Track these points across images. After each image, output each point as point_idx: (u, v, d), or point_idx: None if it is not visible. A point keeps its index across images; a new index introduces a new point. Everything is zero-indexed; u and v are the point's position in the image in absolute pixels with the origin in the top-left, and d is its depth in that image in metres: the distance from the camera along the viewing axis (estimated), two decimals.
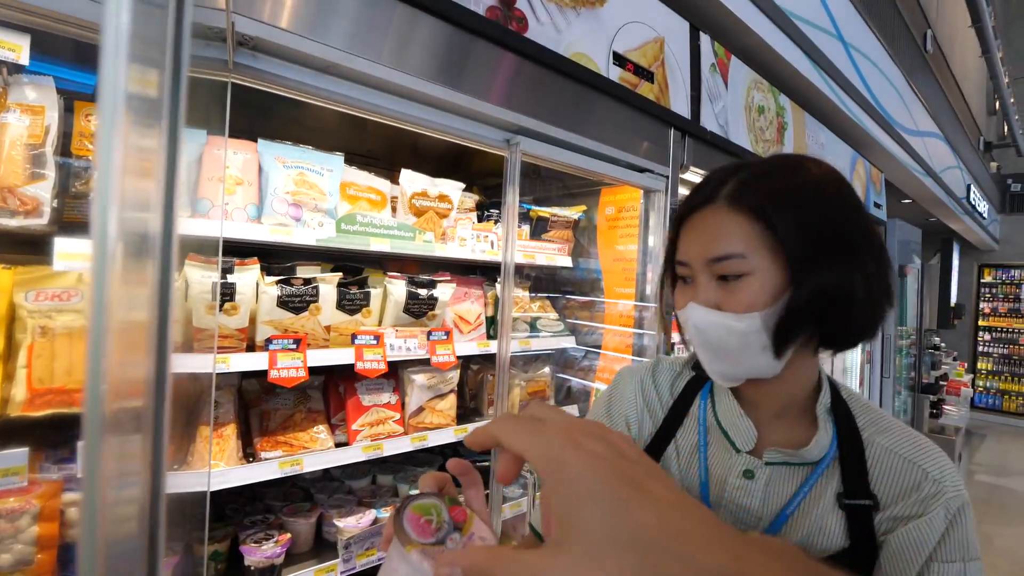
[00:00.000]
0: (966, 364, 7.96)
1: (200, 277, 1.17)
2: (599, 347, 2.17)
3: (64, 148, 1.13)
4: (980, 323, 8.97)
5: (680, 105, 1.88)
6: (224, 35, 0.86)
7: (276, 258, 1.53)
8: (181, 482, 0.95)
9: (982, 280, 9.03)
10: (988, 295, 8.98)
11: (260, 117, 1.68)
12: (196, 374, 1.01)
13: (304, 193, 1.40)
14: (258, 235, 1.28)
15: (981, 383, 8.86)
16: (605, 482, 0.26)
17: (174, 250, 0.42)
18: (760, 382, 0.67)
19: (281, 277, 1.35)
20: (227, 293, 1.22)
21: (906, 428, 0.68)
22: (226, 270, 1.23)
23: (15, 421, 1.05)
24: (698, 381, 0.77)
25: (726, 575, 0.24)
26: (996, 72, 6.31)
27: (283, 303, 1.33)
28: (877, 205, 3.81)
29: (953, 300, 6.03)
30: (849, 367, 4.10)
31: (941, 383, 5.42)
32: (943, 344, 6.48)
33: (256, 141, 1.38)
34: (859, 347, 4.01)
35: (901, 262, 4.61)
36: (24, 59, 0.95)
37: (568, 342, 2.02)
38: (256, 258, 1.32)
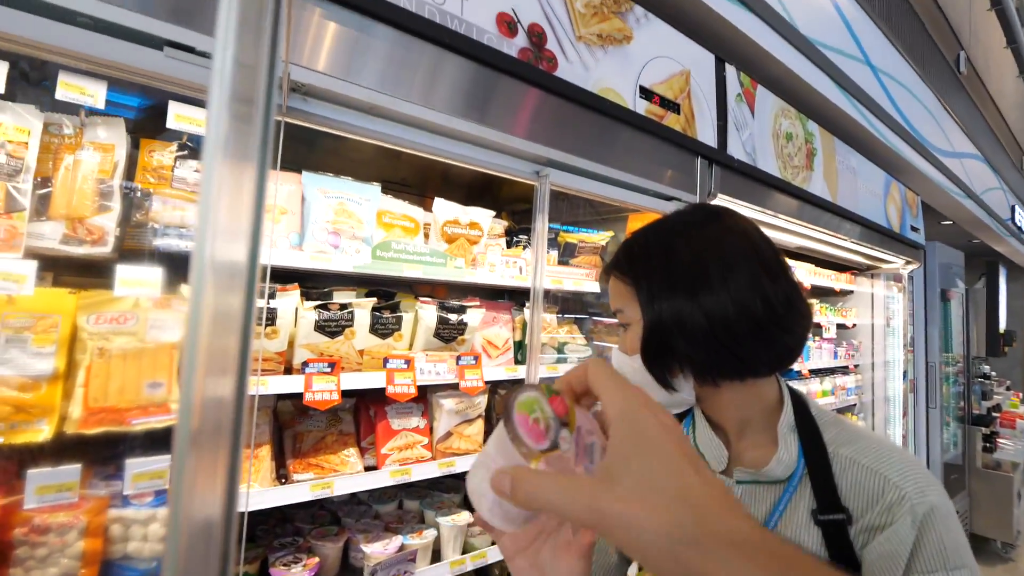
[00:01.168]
0: (1021, 394, 7.51)
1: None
2: None
3: (128, 181, 1.22)
4: None
5: (707, 134, 1.90)
6: (280, 83, 0.94)
7: (313, 283, 1.59)
8: (220, 502, 0.98)
9: None
10: None
11: (304, 148, 1.78)
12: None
13: (343, 222, 1.46)
14: (300, 262, 1.35)
15: None
16: (668, 447, 0.31)
17: (257, 277, 0.47)
18: (711, 406, 0.75)
19: (319, 302, 1.41)
20: (269, 318, 1.28)
21: (872, 437, 0.70)
22: (269, 295, 1.29)
23: (70, 438, 1.11)
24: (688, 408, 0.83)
25: (738, 537, 0.28)
26: None
27: (320, 327, 1.38)
28: (914, 229, 3.71)
29: (1002, 326, 5.75)
30: (892, 396, 3.93)
31: (994, 414, 5.13)
32: (993, 373, 6.16)
33: (300, 172, 1.46)
34: (899, 376, 3.85)
35: (943, 286, 4.45)
36: (100, 103, 1.04)
37: None
38: (297, 284, 1.38)
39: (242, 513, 1.16)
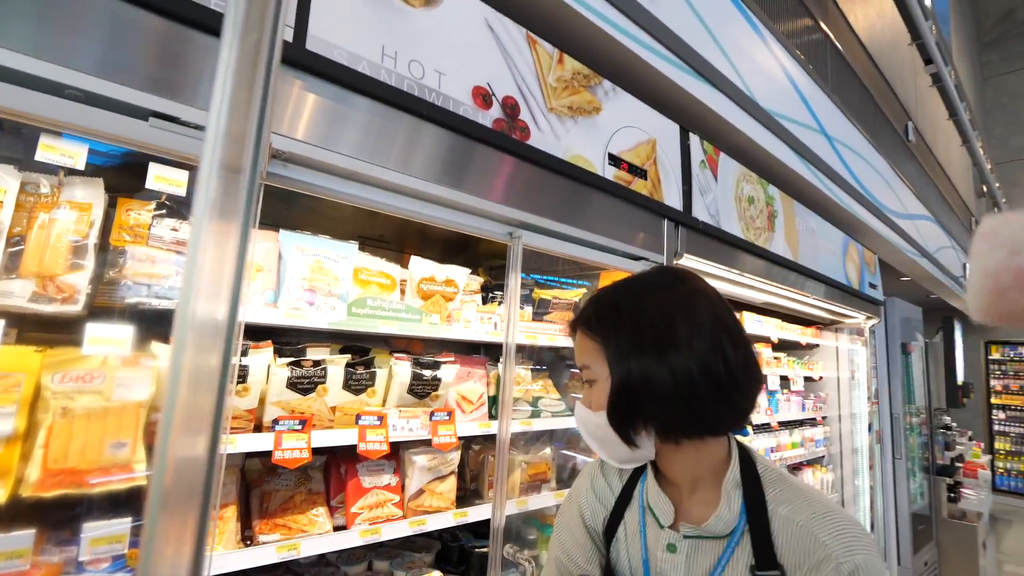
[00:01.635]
0: (983, 444, 7.71)
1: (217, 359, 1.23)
2: None
3: (103, 239, 1.24)
4: (993, 401, 8.78)
5: (673, 198, 2.01)
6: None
7: (286, 338, 1.59)
8: (184, 566, 0.95)
9: (990, 357, 8.94)
10: (998, 372, 8.85)
11: (282, 206, 1.81)
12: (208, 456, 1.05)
13: (319, 279, 1.49)
14: (275, 319, 1.36)
15: (1001, 464, 8.53)
16: None
17: (236, 336, 0.49)
18: (668, 463, 0.77)
19: (292, 359, 1.41)
20: (240, 375, 1.28)
21: (812, 497, 0.73)
22: (241, 352, 1.29)
23: (25, 501, 1.07)
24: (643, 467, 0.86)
25: None
26: (978, 159, 6.63)
27: (292, 384, 1.38)
28: (872, 286, 3.90)
29: (960, 378, 5.96)
30: (859, 447, 4.01)
31: (957, 464, 5.24)
32: (954, 424, 6.33)
33: (278, 231, 1.49)
34: (865, 427, 3.94)
35: (903, 339, 4.63)
36: (80, 164, 1.07)
37: (570, 422, 2.03)
38: (270, 340, 1.39)
39: None
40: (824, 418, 3.90)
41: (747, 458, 0.78)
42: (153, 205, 1.30)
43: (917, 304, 5.27)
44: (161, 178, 1.14)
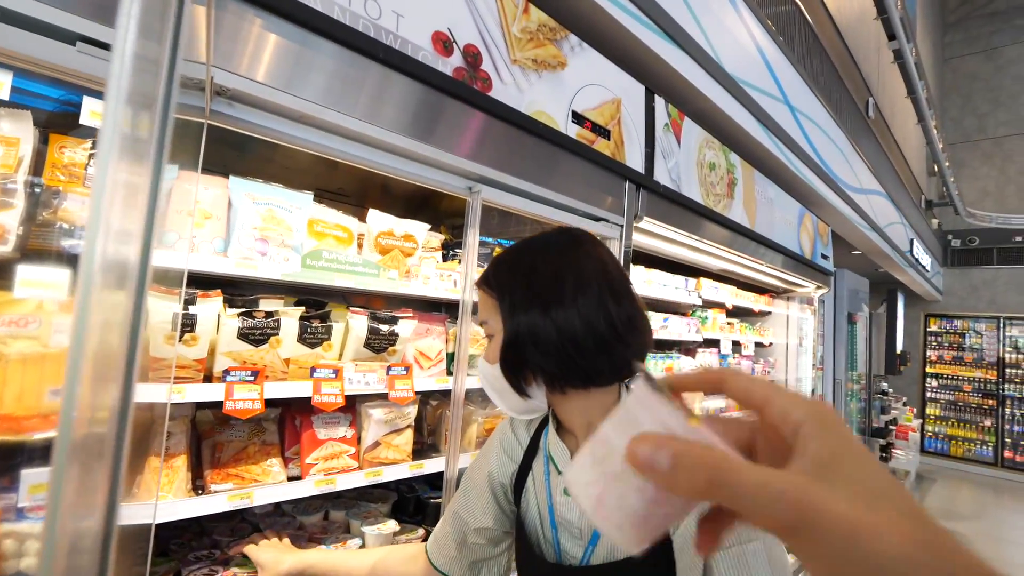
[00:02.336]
0: (915, 409, 8.29)
1: (161, 307, 1.20)
2: None
3: (35, 177, 1.16)
4: (928, 370, 9.41)
5: (635, 160, 2.02)
6: (203, 85, 0.94)
7: (239, 290, 1.56)
8: (126, 514, 0.95)
9: (928, 329, 9.53)
10: (934, 343, 9.46)
11: (234, 153, 1.74)
12: (150, 404, 1.03)
13: (271, 229, 1.45)
14: (224, 268, 1.32)
15: (930, 428, 9.22)
16: (874, 457, 0.27)
17: (148, 281, 0.46)
18: (561, 412, 0.83)
19: (243, 310, 1.39)
20: (188, 324, 1.25)
21: None
22: (189, 301, 1.26)
23: None
24: (547, 420, 0.91)
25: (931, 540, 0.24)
26: (931, 138, 6.87)
27: (244, 335, 1.36)
28: (824, 256, 4.06)
29: (899, 347, 6.34)
30: None
31: (891, 427, 5.64)
32: (891, 390, 6.77)
33: (228, 177, 1.43)
34: (809, 392, 4.17)
35: (850, 309, 4.88)
36: (4, 94, 1.00)
37: None
38: (219, 290, 1.35)
39: (150, 525, 1.12)
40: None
41: None
42: (90, 144, 1.23)
43: (865, 277, 5.54)
44: (97, 114, 1.07)
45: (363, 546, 1.63)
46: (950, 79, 10.47)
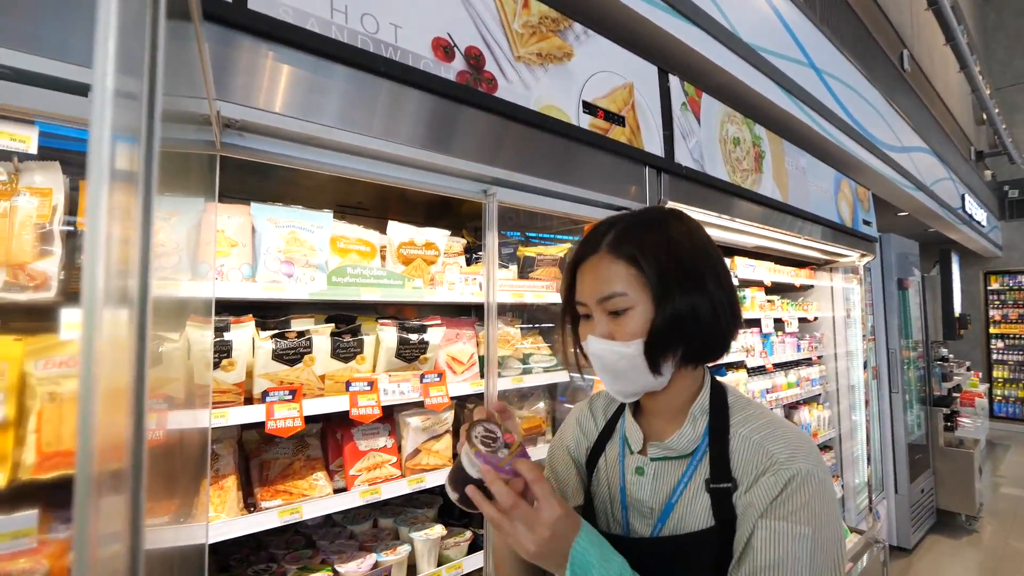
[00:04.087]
0: (980, 374, 7.82)
1: (200, 336, 1.24)
2: (594, 375, 2.21)
3: (71, 223, 1.22)
4: (991, 331, 8.86)
5: (653, 144, 1.97)
6: (209, 120, 0.96)
7: (271, 312, 1.60)
8: (183, 535, 0.99)
9: (989, 287, 8.96)
10: (997, 302, 8.89)
11: (255, 178, 1.79)
12: (200, 429, 1.07)
13: (295, 251, 1.48)
14: (253, 293, 1.36)
15: (999, 392, 8.68)
16: None
17: (149, 310, 0.47)
18: (653, 394, 0.81)
19: (275, 332, 1.42)
20: (224, 350, 1.29)
21: (773, 419, 0.79)
22: (222, 328, 1.30)
23: (26, 484, 1.11)
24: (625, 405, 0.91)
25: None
26: (977, 85, 6.44)
27: (278, 356, 1.39)
28: (866, 223, 3.87)
29: (957, 310, 5.98)
30: (855, 384, 4.07)
31: (954, 395, 5.34)
32: (951, 355, 6.40)
33: (250, 204, 1.47)
34: (860, 364, 3.99)
35: (899, 275, 4.63)
36: (33, 149, 1.05)
37: (562, 376, 2.06)
38: (251, 315, 1.39)
39: (203, 545, 1.17)
40: (820, 357, 3.94)
41: (719, 389, 0.83)
42: None
43: (915, 239, 5.24)
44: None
45: (413, 552, 1.66)
46: (993, 19, 9.77)
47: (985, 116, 7.31)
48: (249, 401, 1.39)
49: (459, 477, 0.73)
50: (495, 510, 0.69)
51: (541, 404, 2.07)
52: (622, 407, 0.92)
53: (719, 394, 0.82)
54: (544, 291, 2.02)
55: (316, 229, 1.54)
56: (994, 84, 8.77)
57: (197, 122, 1.01)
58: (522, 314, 2.24)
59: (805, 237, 2.99)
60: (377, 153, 1.28)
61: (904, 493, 4.26)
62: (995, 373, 8.78)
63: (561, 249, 2.16)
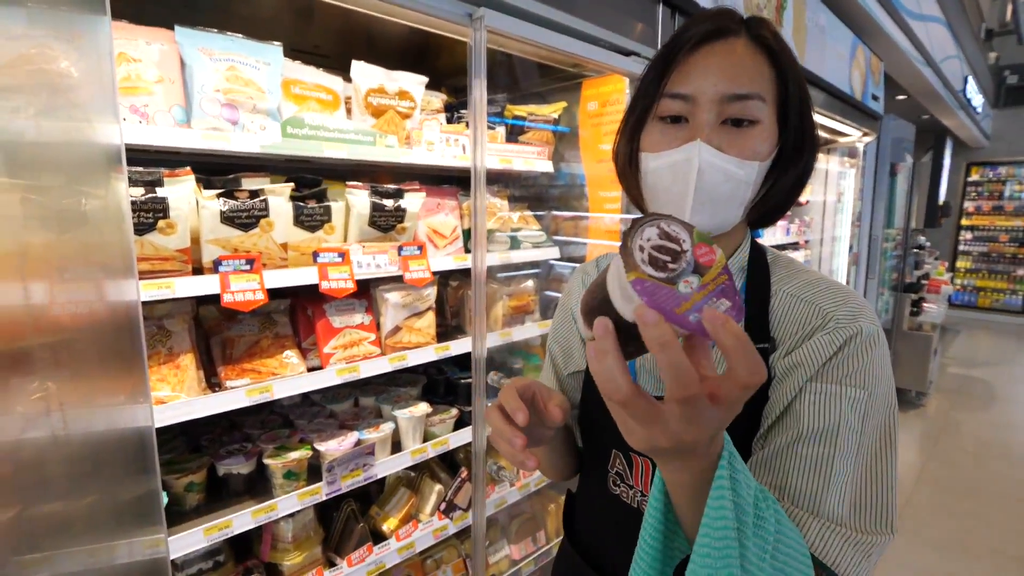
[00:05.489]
0: (947, 263, 8.08)
1: (109, 193, 1.01)
2: (584, 260, 2.07)
3: None
4: (963, 222, 9.02)
5: None
6: None
7: (216, 171, 1.36)
8: (125, 417, 0.86)
9: (968, 179, 8.96)
10: (973, 194, 8.96)
11: (180, 4, 1.44)
12: (126, 302, 0.89)
13: (239, 91, 1.21)
14: (189, 141, 1.12)
15: (960, 281, 9.07)
16: None
17: None
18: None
19: (223, 190, 1.20)
20: (159, 209, 1.07)
21: (817, 275, 0.67)
22: (153, 182, 1.07)
23: None
24: None
25: None
26: None
27: (228, 219, 1.18)
28: (875, 98, 3.61)
29: (941, 198, 5.97)
30: (836, 269, 4.09)
31: (923, 282, 5.50)
32: (928, 243, 6.52)
33: (174, 28, 1.16)
34: (845, 250, 3.97)
35: (893, 160, 4.47)
36: None
37: (552, 253, 1.91)
38: (189, 168, 1.15)
39: (150, 427, 1.04)
40: (807, 242, 3.90)
41: (759, 248, 0.72)
42: None
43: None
44: None
45: (396, 429, 1.61)
46: None
47: None
48: (199, 272, 1.21)
49: (595, 305, 0.41)
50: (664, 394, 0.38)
51: (530, 283, 1.94)
52: None
53: (759, 252, 0.71)
54: (535, 158, 1.79)
55: (263, 66, 1.25)
56: None
57: None
58: (509, 184, 2.03)
59: (815, 109, 2.75)
60: None
61: None
62: (959, 263, 9.10)
63: (555, 108, 1.89)
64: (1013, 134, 8.64)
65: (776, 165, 0.64)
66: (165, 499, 1.08)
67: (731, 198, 0.61)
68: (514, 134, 1.87)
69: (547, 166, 1.85)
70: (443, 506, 1.68)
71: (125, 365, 0.83)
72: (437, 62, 1.98)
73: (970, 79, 6.57)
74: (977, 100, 7.08)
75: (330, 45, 1.75)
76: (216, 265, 1.16)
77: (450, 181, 1.95)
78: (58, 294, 0.75)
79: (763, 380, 0.35)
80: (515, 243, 1.81)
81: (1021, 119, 8.60)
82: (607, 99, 1.84)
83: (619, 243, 0.36)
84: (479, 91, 1.35)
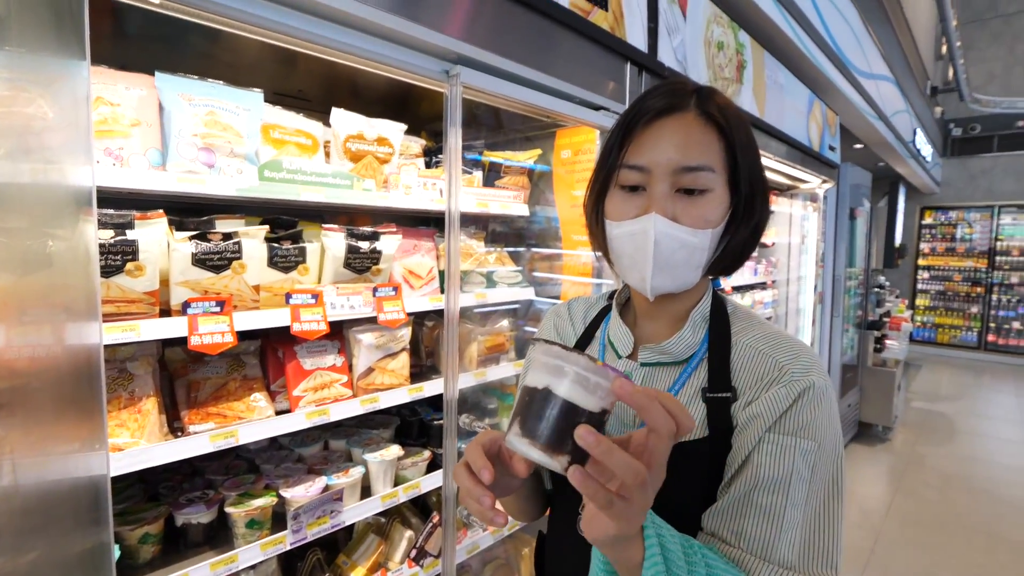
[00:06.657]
0: (907, 301, 8.42)
1: (76, 235, 1.01)
2: (559, 299, 2.11)
3: None
4: (920, 262, 9.46)
5: (636, 37, 1.75)
6: None
7: (190, 214, 1.36)
8: (79, 466, 0.83)
9: (923, 222, 9.45)
10: (928, 236, 9.43)
11: (163, 51, 1.46)
12: (87, 346, 0.88)
13: (217, 135, 1.22)
14: (164, 184, 1.12)
15: (919, 318, 9.44)
16: None
17: None
18: (666, 296, 0.71)
19: (196, 232, 1.20)
20: (129, 251, 1.06)
21: (774, 329, 0.71)
22: (124, 225, 1.07)
23: None
24: (607, 309, 0.84)
25: None
26: (946, 15, 6.35)
27: (200, 261, 1.18)
28: (832, 148, 3.83)
29: (898, 241, 6.27)
30: (803, 308, 4.22)
31: (885, 319, 5.70)
32: (888, 283, 6.79)
33: (154, 74, 1.18)
34: (811, 289, 4.12)
35: (852, 205, 4.71)
36: None
37: (528, 293, 1.94)
38: (161, 211, 1.15)
39: (104, 476, 1.00)
40: (774, 281, 4.03)
41: (719, 299, 0.76)
42: None
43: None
44: None
45: (367, 473, 1.57)
46: None
47: (946, 47, 7.31)
48: (167, 313, 1.19)
49: (557, 424, 0.46)
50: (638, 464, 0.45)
51: (505, 322, 1.95)
52: (603, 313, 0.84)
53: (719, 304, 0.75)
54: (512, 201, 1.84)
55: (243, 112, 1.28)
56: (961, 18, 8.73)
57: None
58: (487, 224, 2.07)
59: (774, 158, 2.91)
60: (327, 10, 1.02)
61: None
62: (918, 301, 9.48)
63: (531, 155, 1.96)
64: (961, 182, 9.21)
65: (730, 225, 0.68)
66: (117, 553, 1.03)
67: (687, 262, 0.65)
68: (491, 178, 1.92)
69: (523, 209, 1.90)
70: (413, 553, 1.64)
71: (83, 410, 0.81)
72: (418, 108, 2.04)
73: (919, 131, 7.03)
74: (926, 150, 7.57)
75: (313, 90, 1.80)
76: (184, 307, 1.15)
77: (428, 223, 1.98)
78: (14, 337, 0.73)
79: (686, 430, 0.46)
80: (491, 282, 1.83)
81: (967, 168, 9.19)
82: (579, 148, 1.92)
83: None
84: (454, 139, 1.40)
